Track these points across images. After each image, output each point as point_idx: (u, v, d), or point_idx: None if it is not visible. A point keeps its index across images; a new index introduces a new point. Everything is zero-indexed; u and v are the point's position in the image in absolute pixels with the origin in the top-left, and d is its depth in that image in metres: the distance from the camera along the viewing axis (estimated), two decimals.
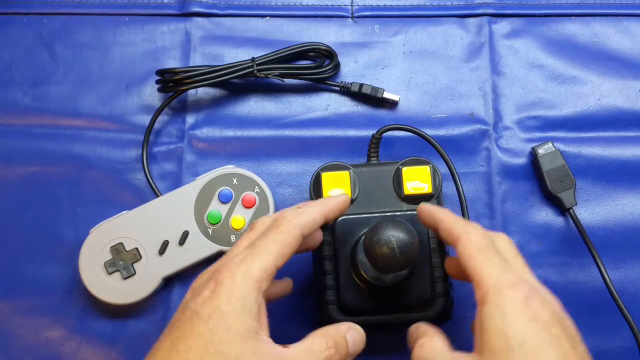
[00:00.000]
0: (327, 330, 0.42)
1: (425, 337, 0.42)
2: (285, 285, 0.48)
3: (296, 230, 0.41)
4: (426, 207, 0.45)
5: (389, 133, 0.54)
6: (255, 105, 0.59)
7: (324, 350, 0.40)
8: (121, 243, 0.53)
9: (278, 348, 0.38)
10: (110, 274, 0.52)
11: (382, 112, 0.58)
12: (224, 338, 0.36)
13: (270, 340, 0.38)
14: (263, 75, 0.56)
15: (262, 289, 0.39)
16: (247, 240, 0.42)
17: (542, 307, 0.36)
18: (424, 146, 0.53)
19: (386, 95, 0.58)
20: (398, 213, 0.49)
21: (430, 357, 0.40)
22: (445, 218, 0.43)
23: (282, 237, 0.41)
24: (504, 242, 0.42)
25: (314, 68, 0.58)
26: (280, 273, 0.54)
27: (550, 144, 0.56)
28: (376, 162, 0.53)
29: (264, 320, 0.39)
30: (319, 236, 0.47)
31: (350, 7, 0.61)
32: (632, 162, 0.57)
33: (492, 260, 0.39)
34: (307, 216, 0.43)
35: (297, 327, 0.53)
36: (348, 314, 0.48)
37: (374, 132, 0.53)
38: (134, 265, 0.52)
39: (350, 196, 0.50)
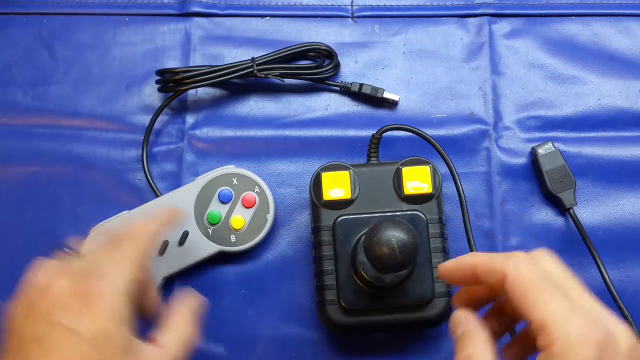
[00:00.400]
0: (179, 309, 0.42)
1: (473, 345, 0.36)
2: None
3: (150, 237, 0.42)
4: (450, 264, 0.38)
5: (389, 133, 0.54)
6: (255, 105, 0.59)
7: (187, 328, 0.41)
8: None
9: (153, 350, 0.38)
10: None
11: (382, 112, 0.58)
12: (110, 357, 0.35)
13: (143, 344, 0.38)
14: (263, 75, 0.56)
15: (133, 298, 0.38)
16: (104, 251, 0.41)
17: (615, 357, 0.33)
18: (424, 146, 0.53)
19: (386, 95, 0.58)
20: (398, 213, 0.49)
21: None
22: (478, 260, 0.37)
23: (140, 246, 0.40)
24: (550, 264, 0.36)
25: (314, 68, 0.58)
26: (285, 275, 0.55)
27: (550, 144, 0.56)
28: (376, 162, 0.53)
29: (134, 326, 0.38)
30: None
31: (350, 7, 0.61)
32: (632, 162, 0.57)
33: (553, 297, 0.34)
34: (155, 226, 0.43)
35: (298, 327, 0.53)
36: (348, 313, 0.48)
37: (374, 132, 0.53)
38: None
39: (350, 196, 0.50)
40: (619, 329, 0.34)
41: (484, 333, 0.37)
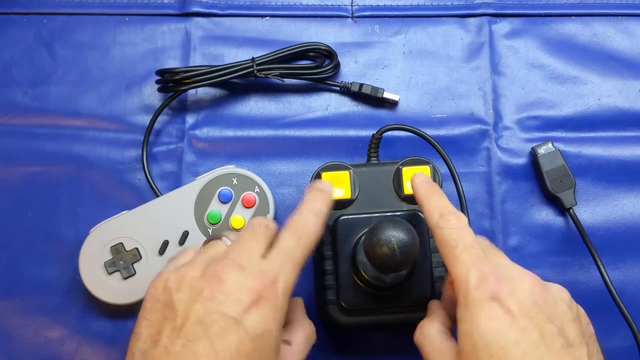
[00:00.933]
0: (296, 309, 0.44)
1: (427, 318, 0.43)
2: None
3: (315, 241, 0.42)
4: (415, 183, 0.45)
5: (389, 133, 0.54)
6: (255, 105, 0.59)
7: (308, 326, 0.43)
8: (121, 243, 0.53)
9: (289, 350, 0.40)
10: (110, 274, 0.52)
11: (382, 112, 0.58)
12: (264, 356, 0.37)
13: (283, 345, 0.40)
14: (263, 75, 0.56)
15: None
16: (259, 242, 0.41)
17: (510, 298, 0.36)
18: (424, 146, 0.53)
19: (386, 95, 0.58)
20: (398, 213, 0.49)
21: (422, 342, 0.41)
22: (425, 204, 0.43)
23: (308, 252, 0.41)
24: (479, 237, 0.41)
25: (314, 68, 0.58)
26: None
27: (550, 144, 0.56)
28: (376, 162, 0.53)
29: None
30: None
31: (350, 7, 0.61)
32: (632, 162, 0.57)
33: (462, 257, 0.38)
34: (321, 225, 0.42)
35: None
36: (348, 314, 0.48)
37: (374, 132, 0.53)
38: (134, 265, 0.52)
39: (350, 196, 0.50)
40: (523, 277, 0.37)
41: (442, 310, 0.42)
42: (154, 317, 0.38)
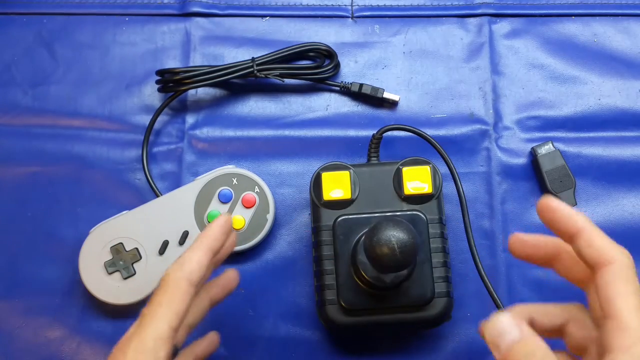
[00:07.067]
0: None
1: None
2: (210, 342, 0.47)
3: (182, 283, 0.39)
4: (563, 210, 0.36)
5: (389, 133, 0.54)
6: (255, 105, 0.59)
7: None
8: (121, 243, 0.53)
9: None
10: (110, 274, 0.52)
11: (382, 112, 0.58)
12: None
13: None
14: (263, 75, 0.56)
15: (161, 356, 0.37)
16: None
17: None
18: (424, 146, 0.53)
19: (386, 95, 0.58)
20: (398, 213, 0.49)
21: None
22: (594, 233, 0.36)
23: (169, 297, 0.39)
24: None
25: (314, 68, 0.58)
26: (285, 275, 0.55)
27: (550, 144, 0.56)
28: (376, 162, 0.53)
29: None
30: (230, 247, 0.45)
31: (350, 7, 0.61)
32: (632, 162, 0.57)
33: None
34: (189, 263, 0.40)
35: (298, 327, 0.53)
36: (348, 314, 0.48)
37: (374, 132, 0.53)
38: (134, 265, 0.52)
39: (350, 196, 0.50)
40: None
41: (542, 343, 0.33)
42: None
